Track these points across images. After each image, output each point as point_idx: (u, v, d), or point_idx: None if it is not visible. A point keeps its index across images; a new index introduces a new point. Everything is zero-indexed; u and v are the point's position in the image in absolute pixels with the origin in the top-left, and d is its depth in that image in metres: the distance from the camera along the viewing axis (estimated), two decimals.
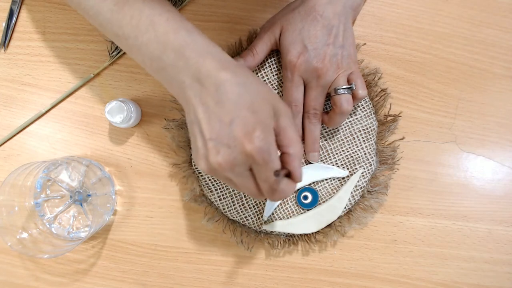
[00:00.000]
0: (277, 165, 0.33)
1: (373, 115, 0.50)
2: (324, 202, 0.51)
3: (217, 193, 0.50)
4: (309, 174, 0.50)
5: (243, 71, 0.34)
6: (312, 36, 0.44)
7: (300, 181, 0.37)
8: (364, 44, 0.52)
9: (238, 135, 0.31)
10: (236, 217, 0.51)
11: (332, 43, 0.45)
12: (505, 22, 0.52)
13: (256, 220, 0.51)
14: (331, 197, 0.50)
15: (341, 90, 0.45)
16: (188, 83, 0.33)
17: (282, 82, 0.50)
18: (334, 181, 0.51)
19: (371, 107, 0.51)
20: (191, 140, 0.35)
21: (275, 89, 0.50)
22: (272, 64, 0.50)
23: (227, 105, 0.32)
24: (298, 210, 0.51)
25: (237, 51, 0.51)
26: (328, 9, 0.45)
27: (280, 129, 0.34)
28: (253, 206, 0.50)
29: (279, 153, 0.35)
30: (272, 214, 0.50)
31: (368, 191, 0.51)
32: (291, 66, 0.45)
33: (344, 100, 0.45)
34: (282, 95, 0.49)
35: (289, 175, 0.36)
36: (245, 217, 0.51)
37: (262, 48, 0.47)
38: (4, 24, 0.51)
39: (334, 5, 0.45)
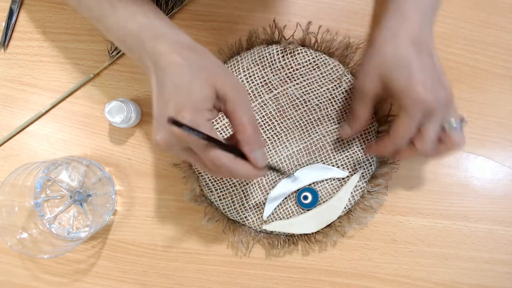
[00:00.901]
0: (210, 148, 0.33)
1: (373, 116, 0.50)
2: (324, 202, 0.51)
3: (217, 193, 0.50)
4: (309, 174, 0.50)
5: (193, 54, 0.34)
6: (425, 65, 0.39)
7: (258, 165, 0.36)
8: (363, 42, 0.52)
9: (170, 114, 0.32)
10: (236, 217, 0.51)
11: (439, 70, 0.40)
12: (505, 22, 0.52)
13: (256, 220, 0.51)
14: (331, 197, 0.50)
15: (455, 123, 0.41)
16: (148, 64, 0.35)
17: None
18: (334, 181, 0.51)
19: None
20: None
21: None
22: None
23: (168, 86, 0.33)
24: (298, 210, 0.51)
25: (237, 51, 0.51)
26: (425, 32, 0.40)
27: (229, 114, 0.35)
28: (253, 206, 0.51)
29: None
30: (272, 214, 0.51)
31: (368, 191, 0.51)
32: (421, 102, 0.38)
33: (457, 135, 0.41)
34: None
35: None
36: (245, 217, 0.51)
37: (363, 109, 0.43)
38: (4, 24, 0.51)
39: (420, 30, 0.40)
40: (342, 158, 0.51)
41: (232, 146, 0.35)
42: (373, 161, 0.51)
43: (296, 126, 0.50)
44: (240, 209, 0.50)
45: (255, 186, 0.50)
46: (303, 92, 0.50)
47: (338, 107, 0.50)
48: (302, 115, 0.50)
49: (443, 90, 0.39)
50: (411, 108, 0.39)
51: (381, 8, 0.43)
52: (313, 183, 0.50)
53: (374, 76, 0.41)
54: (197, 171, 0.51)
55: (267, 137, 0.50)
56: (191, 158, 0.35)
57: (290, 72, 0.50)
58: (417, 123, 0.39)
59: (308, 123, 0.50)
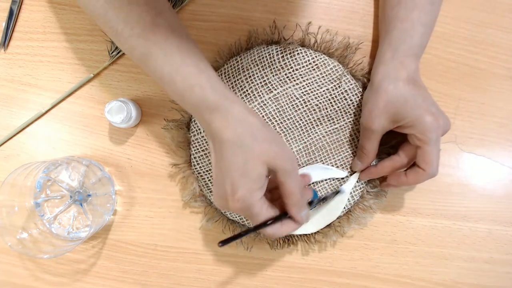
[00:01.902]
0: (260, 218, 0.38)
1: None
2: (323, 202, 0.50)
3: None
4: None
5: (244, 130, 0.37)
6: (426, 97, 0.44)
7: (301, 223, 0.41)
8: (362, 42, 0.52)
9: (227, 192, 0.37)
10: (236, 217, 0.51)
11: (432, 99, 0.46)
12: (505, 22, 0.52)
13: None
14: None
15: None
16: (207, 131, 0.39)
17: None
18: (334, 181, 0.51)
19: None
20: None
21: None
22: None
23: (223, 164, 0.37)
24: None
25: (236, 51, 0.51)
26: (417, 71, 0.46)
27: (279, 183, 0.38)
28: None
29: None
30: None
31: (368, 192, 0.51)
32: (435, 128, 0.43)
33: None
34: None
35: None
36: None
37: (373, 145, 0.47)
38: (4, 24, 0.51)
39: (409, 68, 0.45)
40: (342, 158, 0.51)
41: (279, 215, 0.40)
42: (372, 161, 0.50)
43: (296, 126, 0.50)
44: None
45: None
46: (302, 93, 0.50)
47: (338, 107, 0.50)
48: (302, 115, 0.50)
49: (443, 113, 0.44)
50: (430, 135, 0.43)
51: (380, 48, 0.48)
52: (313, 183, 0.50)
53: (382, 116, 0.45)
54: (197, 171, 0.51)
55: None
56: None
57: (289, 73, 0.50)
58: (439, 147, 0.44)
59: (307, 123, 0.50)
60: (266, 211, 0.38)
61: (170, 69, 0.38)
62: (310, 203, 0.50)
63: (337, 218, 0.50)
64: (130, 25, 0.38)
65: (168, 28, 0.39)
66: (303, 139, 0.50)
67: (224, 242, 0.37)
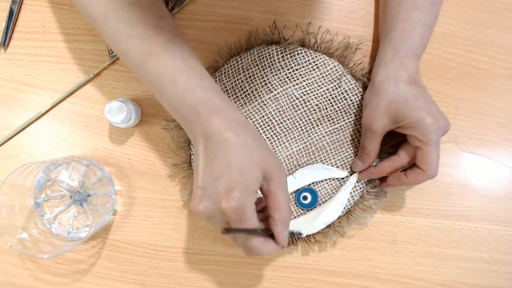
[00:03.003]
0: (251, 224, 0.35)
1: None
2: (323, 202, 0.51)
3: None
4: (309, 175, 0.50)
5: (246, 133, 0.36)
6: (426, 97, 0.44)
7: (282, 245, 0.38)
8: (362, 42, 0.52)
9: (220, 190, 0.34)
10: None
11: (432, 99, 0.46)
12: (505, 22, 0.52)
13: None
14: (331, 197, 0.50)
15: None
16: (198, 134, 0.37)
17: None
18: (334, 181, 0.51)
19: None
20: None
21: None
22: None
23: (220, 161, 0.35)
24: (297, 211, 0.51)
25: (237, 51, 0.51)
26: (418, 71, 0.46)
27: (270, 192, 0.37)
28: None
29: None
30: None
31: (367, 192, 0.51)
32: (435, 129, 0.43)
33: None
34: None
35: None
36: None
37: (374, 145, 0.47)
38: (4, 24, 0.51)
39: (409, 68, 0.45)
40: (342, 158, 0.51)
41: (264, 230, 0.37)
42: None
43: (296, 126, 0.50)
44: None
45: None
46: (302, 93, 0.50)
47: (338, 107, 0.50)
48: (302, 116, 0.50)
49: (443, 114, 0.44)
50: (430, 136, 0.43)
51: (381, 49, 0.48)
52: (313, 183, 0.50)
53: (383, 117, 0.45)
54: None
55: (267, 138, 0.50)
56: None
57: (290, 73, 0.50)
58: (439, 148, 0.44)
59: (307, 123, 0.50)
60: (256, 219, 0.36)
61: (172, 69, 0.37)
62: (310, 204, 0.50)
63: (337, 218, 0.50)
64: (132, 26, 0.38)
65: (170, 31, 0.39)
66: (303, 139, 0.50)
67: (228, 231, 0.34)
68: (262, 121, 0.50)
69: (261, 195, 0.39)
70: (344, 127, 0.51)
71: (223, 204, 0.34)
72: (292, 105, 0.50)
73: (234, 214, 0.34)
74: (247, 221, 0.35)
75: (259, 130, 0.50)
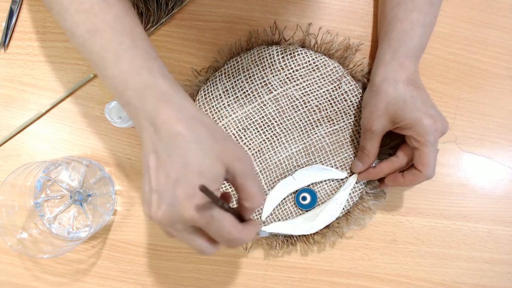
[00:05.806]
0: (226, 222, 0.32)
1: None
2: (322, 203, 0.51)
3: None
4: (308, 175, 0.50)
5: (200, 125, 0.33)
6: (425, 99, 0.44)
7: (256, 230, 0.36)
8: (362, 43, 0.52)
9: (180, 196, 0.31)
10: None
11: (431, 100, 0.45)
12: (505, 22, 0.52)
13: None
14: (330, 198, 0.50)
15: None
16: (144, 125, 0.33)
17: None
18: (333, 182, 0.51)
19: None
20: (143, 177, 0.34)
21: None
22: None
23: (176, 162, 0.31)
24: (296, 211, 0.51)
25: (237, 52, 0.51)
26: (417, 72, 0.46)
27: (237, 185, 0.34)
28: None
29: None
30: (271, 215, 0.50)
31: (367, 193, 0.51)
32: (433, 131, 0.43)
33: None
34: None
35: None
36: None
37: (373, 145, 0.47)
38: (4, 24, 0.51)
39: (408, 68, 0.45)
40: (341, 159, 0.51)
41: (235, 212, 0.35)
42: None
43: (296, 127, 0.50)
44: None
45: None
46: (302, 93, 0.50)
47: (338, 108, 0.50)
48: (302, 116, 0.50)
49: (442, 115, 0.44)
50: (427, 137, 0.43)
51: (380, 49, 0.48)
52: (312, 184, 0.50)
53: (382, 117, 0.45)
54: None
55: (267, 138, 0.50)
56: (188, 237, 0.34)
57: (290, 73, 0.50)
58: (436, 149, 0.44)
59: (307, 124, 0.50)
60: (225, 212, 0.33)
61: (117, 47, 0.34)
62: (309, 205, 0.50)
63: (336, 218, 0.50)
64: (79, 0, 0.35)
65: (121, 9, 0.36)
66: (303, 140, 0.50)
67: (205, 191, 0.30)
68: (262, 121, 0.50)
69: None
70: (344, 128, 0.51)
71: (186, 212, 0.31)
72: (292, 105, 0.50)
73: (201, 219, 0.31)
74: (219, 222, 0.32)
75: (259, 131, 0.50)
